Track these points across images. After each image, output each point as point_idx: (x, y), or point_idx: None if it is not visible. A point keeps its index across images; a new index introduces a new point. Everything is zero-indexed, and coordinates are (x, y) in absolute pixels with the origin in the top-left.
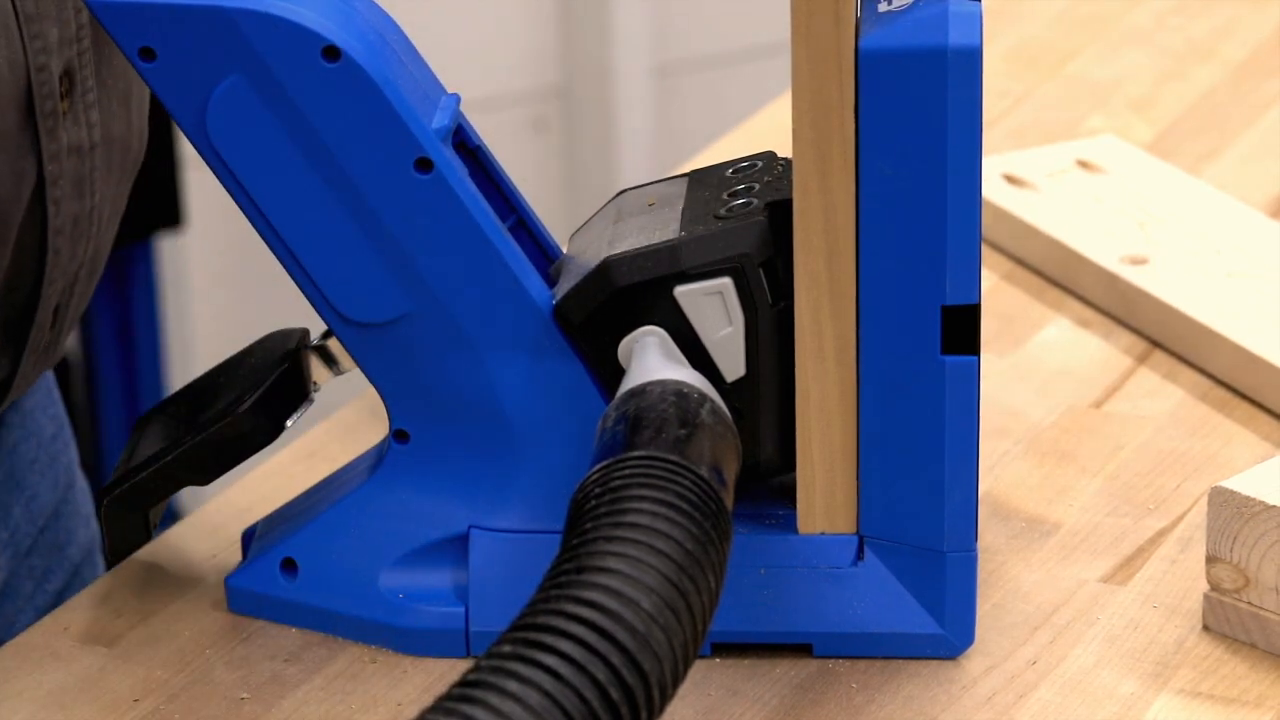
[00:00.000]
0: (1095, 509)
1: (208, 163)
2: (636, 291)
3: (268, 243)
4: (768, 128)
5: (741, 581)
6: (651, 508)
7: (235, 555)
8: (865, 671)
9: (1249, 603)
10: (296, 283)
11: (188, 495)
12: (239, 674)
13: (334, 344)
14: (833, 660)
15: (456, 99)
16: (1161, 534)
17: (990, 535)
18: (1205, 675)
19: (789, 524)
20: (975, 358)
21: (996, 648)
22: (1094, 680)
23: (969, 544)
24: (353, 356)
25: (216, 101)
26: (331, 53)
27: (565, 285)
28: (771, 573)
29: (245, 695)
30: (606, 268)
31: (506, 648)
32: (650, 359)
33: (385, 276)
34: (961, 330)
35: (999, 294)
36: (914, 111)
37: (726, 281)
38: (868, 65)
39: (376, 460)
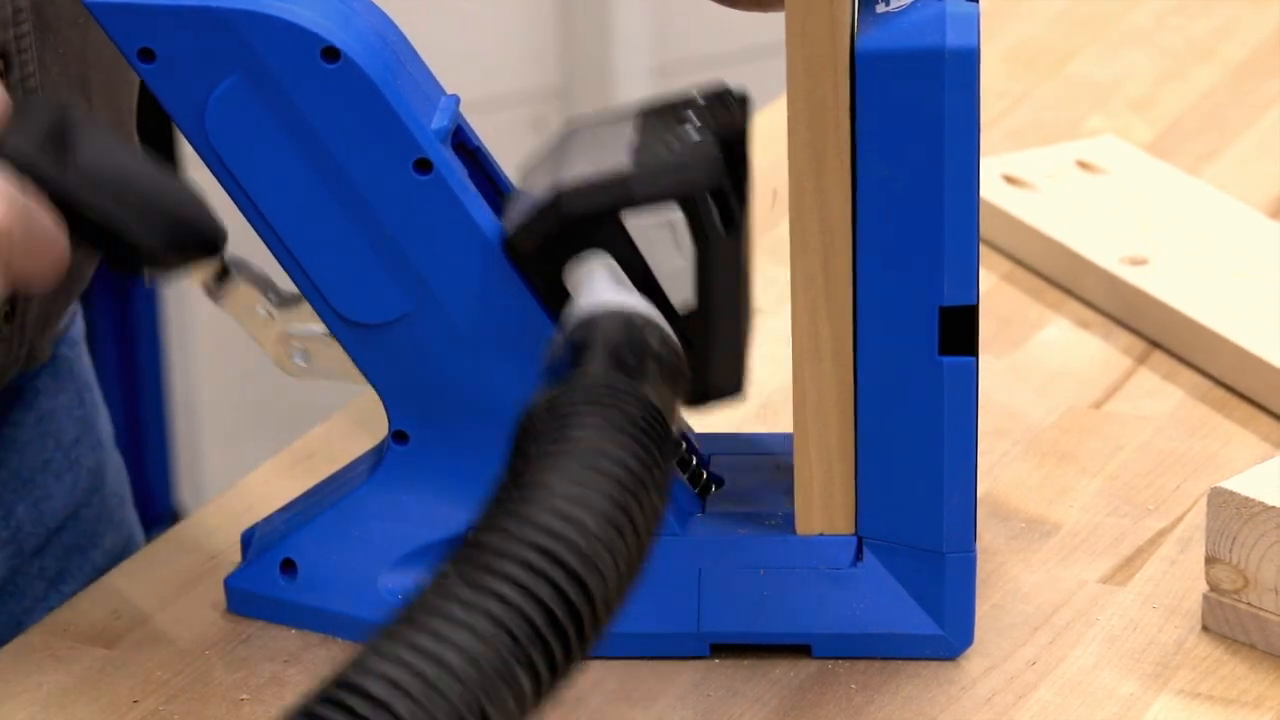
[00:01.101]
0: (1095, 509)
1: (207, 163)
2: (587, 222)
3: (267, 243)
4: (767, 127)
5: (741, 581)
6: (595, 429)
7: (235, 556)
8: (865, 672)
9: (1248, 603)
10: (296, 283)
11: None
12: (239, 675)
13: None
14: (832, 661)
15: (456, 100)
16: (1161, 534)
17: (990, 536)
18: (1205, 676)
19: (789, 524)
20: (973, 358)
21: (996, 648)
22: (1094, 681)
23: (968, 544)
24: (352, 357)
25: (216, 102)
26: (331, 53)
27: (515, 217)
28: (771, 573)
29: (245, 696)
30: (557, 198)
31: (449, 570)
32: (598, 284)
33: (385, 277)
34: (959, 331)
35: (998, 294)
36: (911, 113)
37: (677, 212)
38: (865, 66)
39: (376, 461)
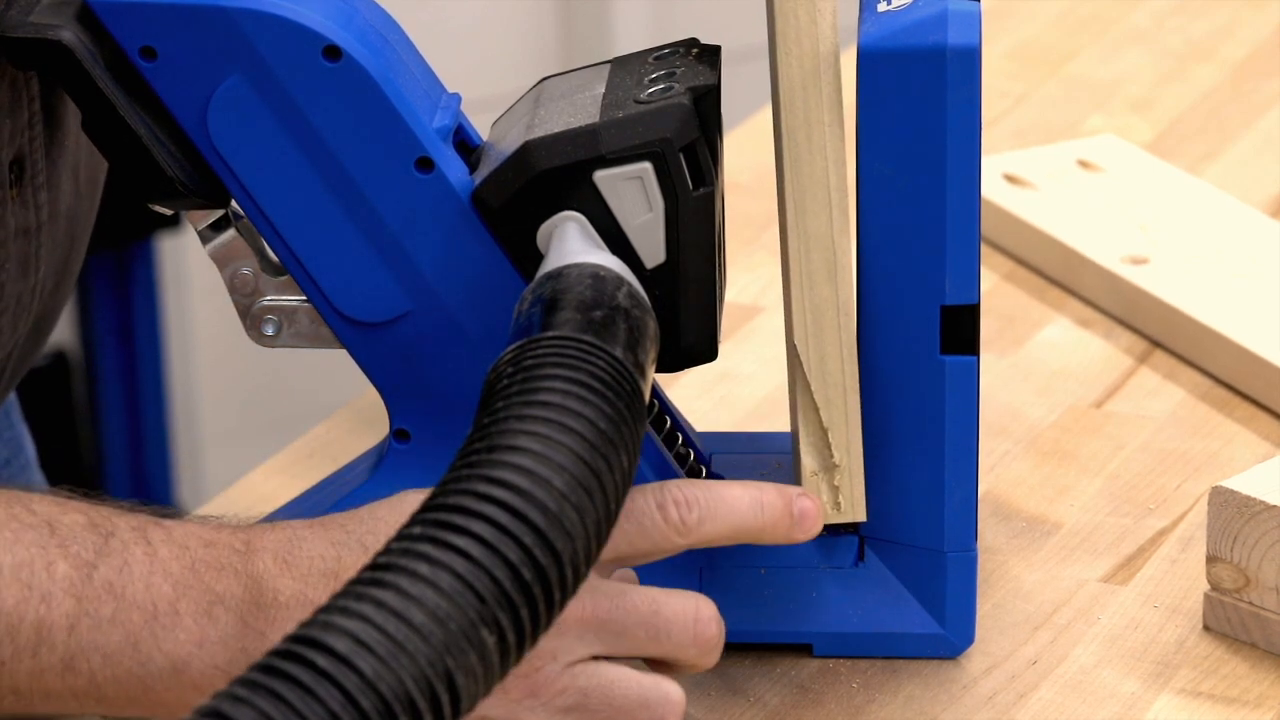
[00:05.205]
0: (1096, 509)
1: (209, 161)
2: (556, 176)
3: (269, 241)
4: (768, 127)
5: (741, 581)
6: (564, 387)
7: None
8: (866, 671)
9: (1249, 602)
10: (298, 281)
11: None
12: None
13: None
14: (833, 660)
15: (457, 99)
16: (1162, 534)
17: (991, 535)
18: (1206, 675)
19: None
20: (975, 357)
21: (997, 647)
22: (1095, 680)
23: (969, 544)
24: (353, 356)
25: (217, 101)
26: (332, 52)
27: (484, 170)
28: (771, 573)
29: None
30: (526, 151)
31: (417, 529)
32: (569, 243)
33: (385, 276)
34: (961, 330)
35: (999, 294)
36: (913, 111)
37: (646, 166)
38: (867, 65)
39: (377, 460)
